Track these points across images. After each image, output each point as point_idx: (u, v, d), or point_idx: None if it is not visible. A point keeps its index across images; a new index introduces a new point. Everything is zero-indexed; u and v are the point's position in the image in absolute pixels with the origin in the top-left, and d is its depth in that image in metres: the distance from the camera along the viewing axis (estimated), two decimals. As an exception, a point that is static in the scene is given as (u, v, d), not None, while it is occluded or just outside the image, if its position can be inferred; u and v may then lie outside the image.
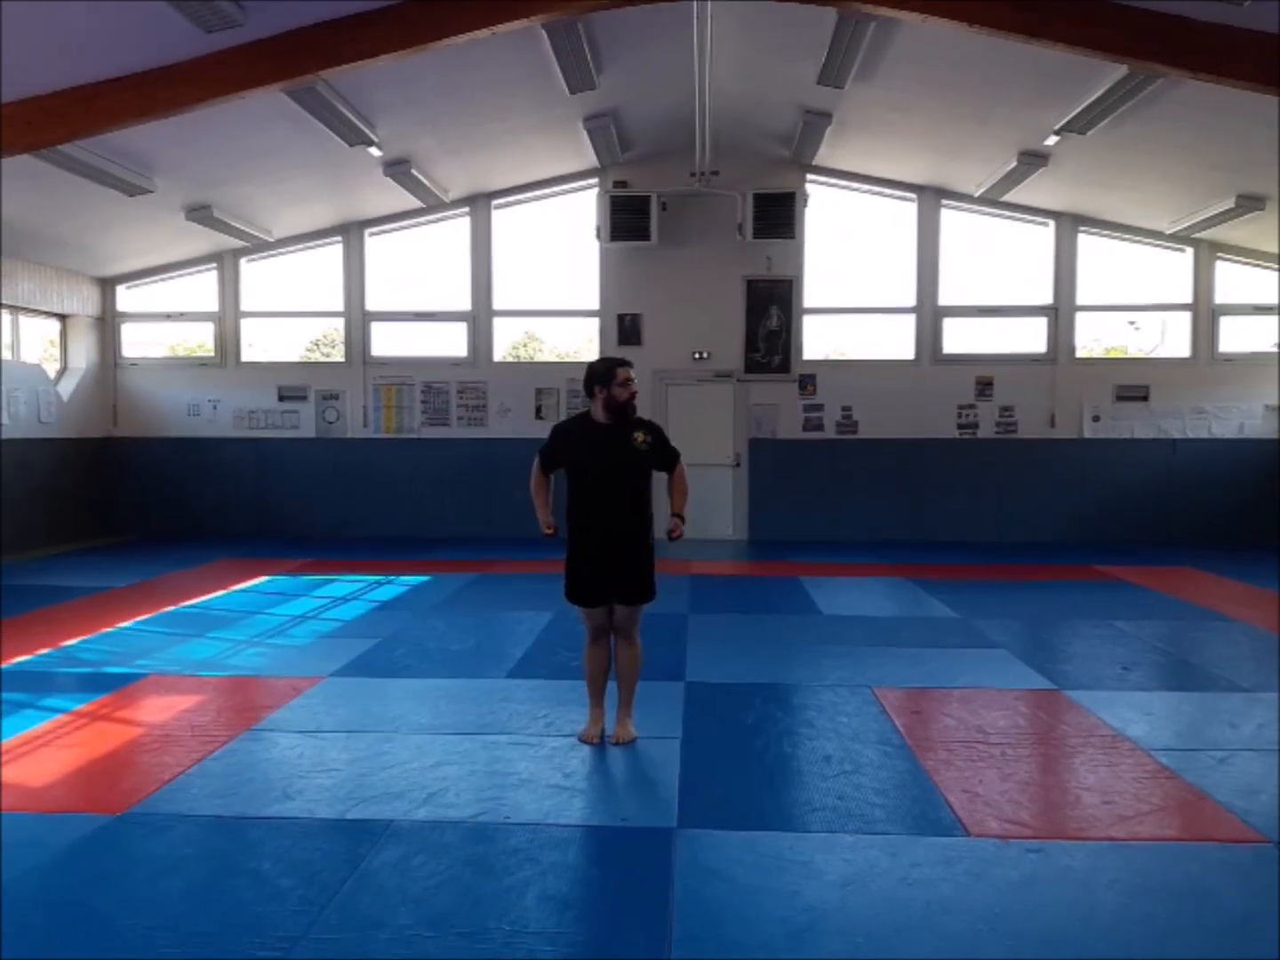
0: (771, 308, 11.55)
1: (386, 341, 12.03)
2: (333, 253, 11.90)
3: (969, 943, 2.79)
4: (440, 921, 2.88)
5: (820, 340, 11.83)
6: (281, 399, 11.96)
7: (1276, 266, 11.26)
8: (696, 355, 11.57)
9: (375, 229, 11.83)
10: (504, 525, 11.58)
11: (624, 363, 4.34)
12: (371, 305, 11.96)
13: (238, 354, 12.05)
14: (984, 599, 8.00)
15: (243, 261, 11.92)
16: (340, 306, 11.96)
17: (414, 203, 11.19)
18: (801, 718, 4.73)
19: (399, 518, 11.84)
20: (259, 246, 11.65)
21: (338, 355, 12.23)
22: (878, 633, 6.76)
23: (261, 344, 12.28)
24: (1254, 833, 3.52)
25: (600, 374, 4.28)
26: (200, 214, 10.16)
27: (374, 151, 9.22)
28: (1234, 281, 11.44)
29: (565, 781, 4.01)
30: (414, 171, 10.04)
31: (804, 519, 11.56)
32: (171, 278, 12.05)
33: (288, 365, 12.16)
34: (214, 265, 11.90)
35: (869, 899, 3.05)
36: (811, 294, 11.63)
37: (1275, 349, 11.37)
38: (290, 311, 12.34)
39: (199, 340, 12.36)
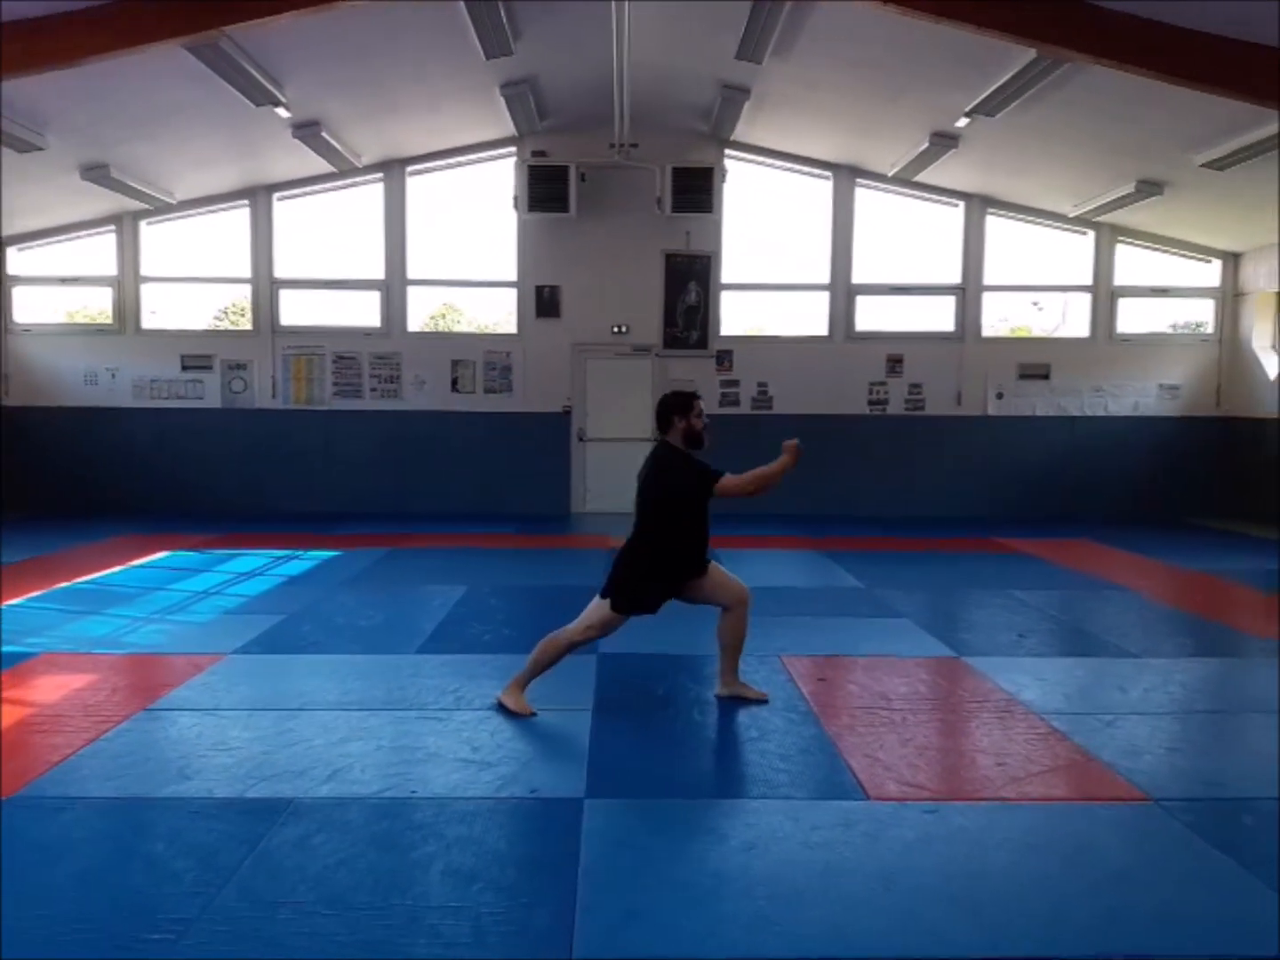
0: (690, 283, 11.56)
1: (296, 310, 11.69)
2: (239, 217, 11.48)
3: (865, 902, 2.87)
4: (341, 899, 2.85)
5: (737, 316, 11.91)
6: (185, 368, 11.54)
7: (1173, 250, 11.72)
8: (615, 329, 11.53)
9: (284, 193, 11.45)
10: (417, 500, 11.41)
11: (697, 395, 4.77)
12: (280, 272, 11.59)
13: (138, 321, 11.58)
14: (890, 570, 8.20)
15: (143, 224, 11.42)
16: (247, 273, 11.58)
17: (325, 167, 10.85)
18: (712, 687, 4.78)
19: (308, 491, 11.56)
20: (160, 209, 11.17)
21: (246, 324, 11.86)
22: (788, 603, 6.88)
23: (165, 311, 11.81)
24: (1137, 791, 3.69)
25: (681, 405, 4.65)
26: (97, 173, 9.68)
27: (281, 113, 8.89)
28: (1133, 264, 11.84)
29: (474, 755, 3.98)
30: (324, 135, 9.73)
31: (720, 493, 11.63)
32: (67, 240, 11.48)
33: (192, 334, 11.73)
34: (113, 228, 11.38)
35: (771, 862, 3.11)
36: (729, 270, 11.68)
37: (1170, 330, 11.84)
38: (194, 277, 11.90)
39: (99, 307, 11.84)
